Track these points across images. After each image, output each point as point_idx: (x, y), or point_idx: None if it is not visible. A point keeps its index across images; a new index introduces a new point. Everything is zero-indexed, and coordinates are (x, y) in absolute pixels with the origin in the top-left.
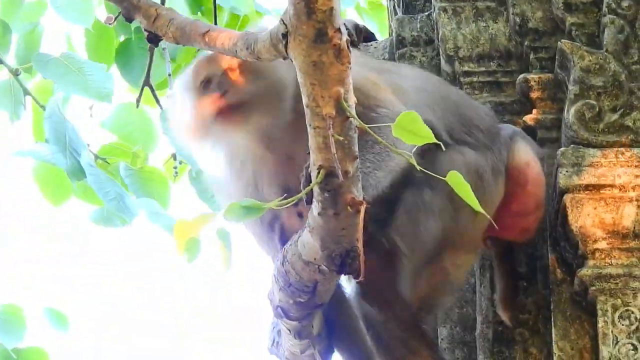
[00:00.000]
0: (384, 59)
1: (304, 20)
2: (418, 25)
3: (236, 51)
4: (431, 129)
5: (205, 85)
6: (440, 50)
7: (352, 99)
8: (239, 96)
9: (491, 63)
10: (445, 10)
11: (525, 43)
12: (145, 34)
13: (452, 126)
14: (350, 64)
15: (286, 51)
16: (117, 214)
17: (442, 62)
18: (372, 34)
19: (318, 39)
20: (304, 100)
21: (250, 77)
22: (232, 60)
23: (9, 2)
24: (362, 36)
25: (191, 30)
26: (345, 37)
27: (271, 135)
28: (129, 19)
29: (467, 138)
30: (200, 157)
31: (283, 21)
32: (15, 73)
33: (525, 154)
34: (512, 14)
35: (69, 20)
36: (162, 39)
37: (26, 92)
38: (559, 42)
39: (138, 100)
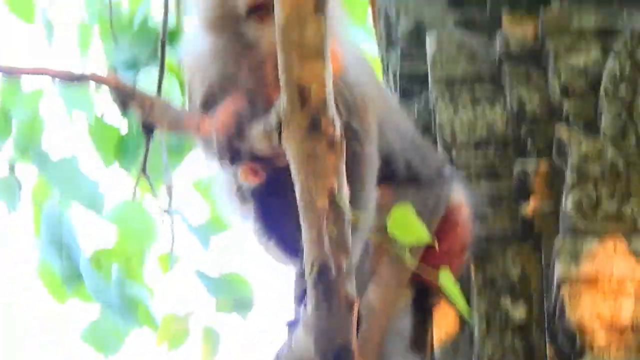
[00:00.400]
0: None
1: (297, 110)
2: (415, 112)
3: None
4: (392, 158)
5: None
6: (437, 137)
7: (345, 191)
8: None
9: (488, 149)
10: (442, 96)
11: (523, 129)
12: (140, 124)
13: (410, 159)
14: (343, 155)
15: (280, 141)
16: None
17: (440, 148)
18: None
19: (311, 130)
20: (298, 192)
21: None
22: None
23: (8, 89)
24: None
25: (186, 120)
26: (339, 128)
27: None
28: (124, 109)
29: (421, 174)
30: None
31: (276, 111)
32: (11, 167)
33: (460, 196)
34: (509, 99)
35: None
36: (156, 130)
37: (21, 188)
38: (556, 128)
39: (134, 192)
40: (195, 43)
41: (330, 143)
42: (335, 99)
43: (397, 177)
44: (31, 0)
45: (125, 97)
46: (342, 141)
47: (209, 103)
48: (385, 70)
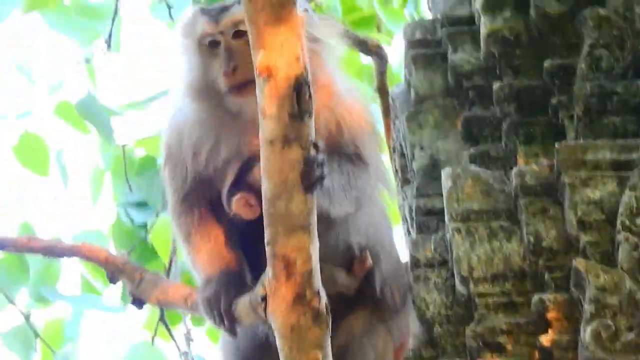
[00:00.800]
0: None
1: (282, 282)
2: (432, 247)
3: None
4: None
5: (213, 45)
6: (455, 272)
7: None
8: (249, 74)
9: (506, 283)
10: (458, 230)
11: (540, 262)
12: (130, 297)
13: (390, 284)
14: (329, 328)
15: (265, 314)
16: None
17: (457, 283)
18: None
19: (297, 302)
20: None
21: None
22: (240, 25)
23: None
24: None
25: (174, 293)
26: (324, 300)
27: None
28: (113, 281)
29: (393, 300)
30: (183, 107)
31: (262, 284)
32: (27, 316)
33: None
34: (526, 233)
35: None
36: (146, 303)
37: (37, 335)
38: (573, 261)
39: (153, 338)
40: (179, 112)
41: (315, 315)
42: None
43: (372, 298)
44: (46, 154)
45: (115, 270)
46: (328, 314)
47: (196, 180)
48: (402, 205)
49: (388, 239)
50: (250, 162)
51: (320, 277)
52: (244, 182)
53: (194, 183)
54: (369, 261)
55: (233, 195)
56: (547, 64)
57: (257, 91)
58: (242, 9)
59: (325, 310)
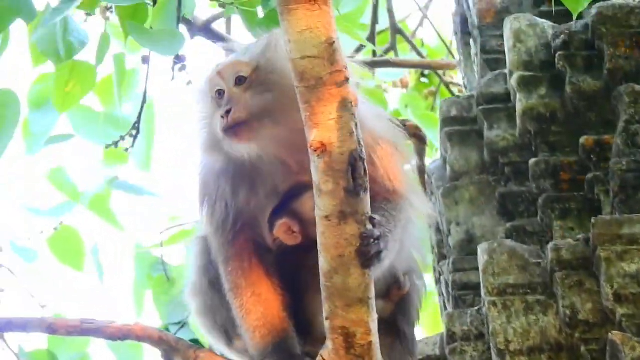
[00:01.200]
0: (434, 354)
1: (342, 355)
2: (468, 320)
3: None
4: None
5: (218, 95)
6: (491, 345)
7: None
8: (243, 113)
9: (542, 356)
10: (495, 304)
11: (576, 335)
12: None
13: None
14: None
15: None
16: None
17: (493, 356)
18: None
19: None
20: None
21: (260, 90)
22: (240, 71)
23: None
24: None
25: None
26: None
27: (279, 146)
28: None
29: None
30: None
31: (322, 357)
32: None
33: None
34: (562, 306)
35: None
36: None
37: None
38: (609, 334)
39: None
40: (200, 165)
41: None
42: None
43: (401, 322)
44: (81, 248)
45: (169, 349)
46: None
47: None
48: (438, 280)
49: (418, 264)
50: (295, 190)
51: (380, 349)
52: (289, 208)
53: (237, 222)
54: (408, 287)
55: (276, 220)
56: (582, 140)
57: (312, 168)
58: (244, 55)
59: None
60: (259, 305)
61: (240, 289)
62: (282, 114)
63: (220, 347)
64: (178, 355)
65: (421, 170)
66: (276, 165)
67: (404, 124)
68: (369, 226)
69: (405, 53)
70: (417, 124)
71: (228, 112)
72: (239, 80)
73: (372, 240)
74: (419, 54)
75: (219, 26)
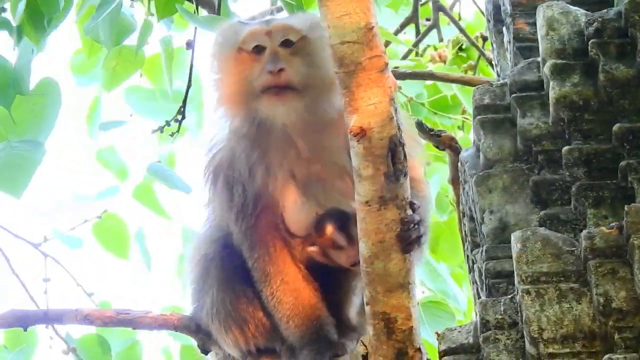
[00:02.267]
0: (468, 343)
1: (383, 340)
2: (502, 309)
3: None
4: None
5: (257, 50)
6: (525, 333)
7: None
8: (296, 77)
9: (576, 344)
10: (528, 292)
11: (610, 323)
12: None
13: None
14: None
15: None
16: None
17: (527, 344)
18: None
19: (398, 359)
20: None
21: (305, 61)
22: (289, 35)
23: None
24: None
25: None
26: (425, 356)
27: (302, 125)
28: (205, 352)
29: None
30: (219, 119)
31: (362, 342)
32: None
33: None
34: (596, 294)
35: None
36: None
37: None
38: None
39: None
40: (219, 135)
41: None
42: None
43: None
44: (126, 239)
45: (205, 339)
46: None
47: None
48: (471, 268)
49: None
50: (335, 216)
51: (420, 334)
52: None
53: (257, 206)
54: None
55: (310, 244)
56: (616, 127)
57: (352, 153)
58: (292, 20)
59: None
60: (289, 294)
61: (268, 276)
62: (322, 93)
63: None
64: (215, 346)
65: (455, 183)
66: (293, 147)
67: (439, 135)
68: (409, 211)
69: (445, 26)
70: (452, 136)
71: (281, 70)
72: (287, 43)
73: (412, 225)
74: (461, 29)
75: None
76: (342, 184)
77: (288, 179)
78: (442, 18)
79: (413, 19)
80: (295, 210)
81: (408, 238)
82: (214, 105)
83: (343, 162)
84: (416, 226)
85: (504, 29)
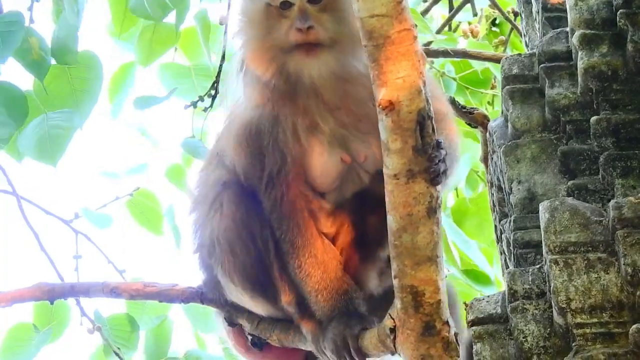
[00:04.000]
0: (496, 313)
1: (411, 313)
2: (530, 278)
3: None
4: None
5: (284, 6)
6: (553, 303)
7: None
8: (325, 35)
9: (604, 314)
10: (556, 262)
11: (637, 293)
12: (249, 337)
13: None
14: (459, 356)
15: (394, 346)
16: None
17: (555, 314)
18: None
19: (426, 332)
20: None
21: (333, 17)
22: None
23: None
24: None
25: (292, 334)
26: (453, 330)
27: (330, 79)
28: (232, 324)
29: None
30: (243, 82)
31: (390, 315)
32: None
33: None
34: (624, 264)
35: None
36: (266, 343)
37: None
38: None
39: None
40: (241, 99)
41: (445, 345)
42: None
43: None
44: (160, 215)
45: (232, 311)
46: (458, 343)
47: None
48: (499, 239)
49: None
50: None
51: (448, 307)
52: None
53: (289, 173)
54: None
55: None
56: None
57: (380, 127)
58: None
59: (454, 339)
60: (317, 268)
61: (297, 248)
62: (350, 48)
63: (261, 308)
64: (242, 317)
65: (487, 161)
66: (319, 98)
67: (472, 113)
68: (435, 149)
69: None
70: (485, 113)
71: (310, 27)
72: (314, 0)
73: (438, 160)
74: (494, 3)
75: None
76: (366, 130)
77: (314, 130)
78: None
79: None
80: (321, 161)
81: (436, 171)
82: (239, 67)
83: (367, 112)
84: (442, 161)
85: None
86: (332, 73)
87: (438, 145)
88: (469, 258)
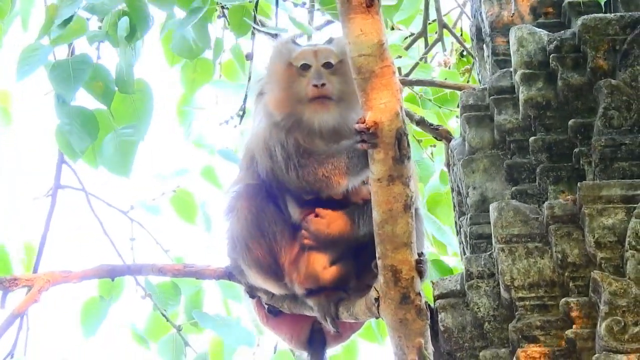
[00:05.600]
0: (456, 289)
1: (391, 287)
2: (482, 262)
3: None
4: None
5: (303, 67)
6: (500, 281)
7: (430, 348)
8: (334, 91)
9: (539, 290)
10: (503, 250)
11: (566, 274)
12: (266, 306)
13: None
14: (428, 320)
15: (378, 312)
16: None
17: (502, 290)
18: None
19: (403, 301)
20: (393, 350)
21: (341, 79)
22: (330, 58)
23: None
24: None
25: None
26: (423, 299)
27: (332, 125)
28: (253, 296)
29: None
30: (261, 115)
31: (375, 288)
32: (178, 329)
33: None
34: (555, 251)
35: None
36: (279, 311)
37: (187, 344)
38: (592, 273)
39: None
40: (262, 122)
41: (417, 311)
42: None
43: None
44: (194, 205)
45: (252, 287)
46: (427, 309)
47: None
48: (458, 232)
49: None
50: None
51: (420, 282)
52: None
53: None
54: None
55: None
56: (571, 122)
57: None
58: (333, 46)
59: (425, 306)
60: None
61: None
62: (351, 103)
63: (272, 287)
64: (260, 292)
65: (448, 165)
66: (320, 136)
67: (437, 129)
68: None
69: (448, 39)
70: (448, 129)
71: (323, 84)
72: (328, 65)
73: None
74: (460, 42)
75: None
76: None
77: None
78: (446, 33)
79: (422, 34)
80: None
81: (407, 155)
82: (261, 104)
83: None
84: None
85: (485, 46)
86: (336, 122)
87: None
88: (439, 243)
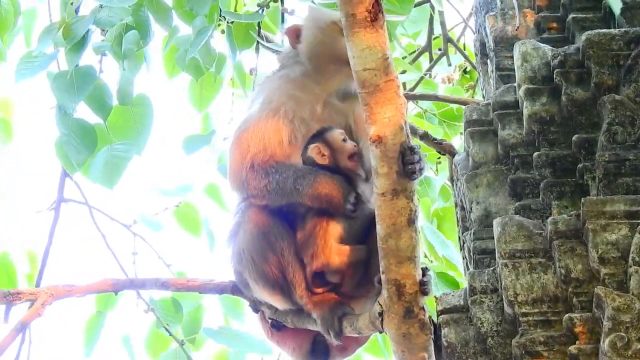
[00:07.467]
0: (459, 304)
1: (395, 301)
2: (486, 278)
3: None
4: None
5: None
6: (503, 297)
7: None
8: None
9: (543, 305)
10: (506, 265)
11: (569, 289)
12: (269, 321)
13: None
14: (432, 334)
15: (382, 326)
16: None
17: (505, 305)
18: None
19: (407, 316)
20: None
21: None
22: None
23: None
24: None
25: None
26: (427, 313)
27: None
28: (256, 310)
29: None
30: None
31: (379, 302)
32: (181, 343)
33: None
34: (559, 267)
35: None
36: (284, 326)
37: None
38: (595, 288)
39: None
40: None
41: (421, 325)
42: None
43: None
44: (198, 218)
45: (256, 301)
46: (431, 324)
47: None
48: (462, 247)
49: None
50: (327, 126)
51: (424, 297)
52: (321, 137)
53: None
54: None
55: (310, 144)
56: (575, 138)
57: (370, 156)
58: None
59: (429, 321)
60: None
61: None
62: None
63: (278, 302)
64: (263, 306)
65: (452, 179)
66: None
67: (441, 143)
68: (409, 153)
69: (453, 55)
70: (451, 144)
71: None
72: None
73: (415, 162)
74: (465, 56)
75: None
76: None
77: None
78: (450, 48)
79: (427, 48)
80: None
81: (414, 169)
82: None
83: None
84: (418, 162)
85: (488, 61)
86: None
87: (412, 150)
88: (446, 259)
